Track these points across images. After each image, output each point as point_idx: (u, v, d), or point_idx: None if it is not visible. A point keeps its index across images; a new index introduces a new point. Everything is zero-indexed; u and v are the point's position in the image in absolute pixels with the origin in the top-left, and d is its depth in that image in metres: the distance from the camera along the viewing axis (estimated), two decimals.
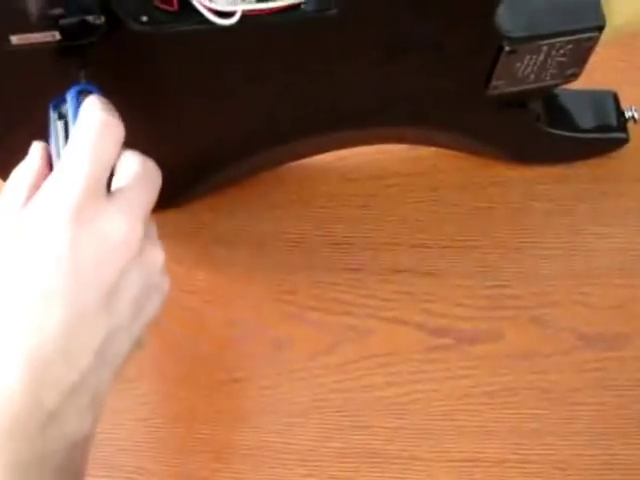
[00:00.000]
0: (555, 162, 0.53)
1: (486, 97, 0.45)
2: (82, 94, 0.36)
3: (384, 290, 0.51)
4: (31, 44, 0.36)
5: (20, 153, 0.42)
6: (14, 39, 0.36)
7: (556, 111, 0.50)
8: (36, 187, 0.35)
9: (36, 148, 0.37)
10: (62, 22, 0.36)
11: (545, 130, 0.50)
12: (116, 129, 0.35)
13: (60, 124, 0.36)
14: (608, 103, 0.52)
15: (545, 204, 0.53)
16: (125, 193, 0.35)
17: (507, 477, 0.47)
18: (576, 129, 0.51)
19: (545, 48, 0.43)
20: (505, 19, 0.41)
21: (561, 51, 0.43)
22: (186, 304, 0.51)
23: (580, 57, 0.44)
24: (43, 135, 0.41)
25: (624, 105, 0.52)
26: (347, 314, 0.50)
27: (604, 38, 0.43)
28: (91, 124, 0.34)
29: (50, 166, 0.36)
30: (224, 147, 0.47)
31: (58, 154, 0.36)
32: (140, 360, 0.49)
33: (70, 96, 0.36)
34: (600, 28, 0.43)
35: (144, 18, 0.37)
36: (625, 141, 0.52)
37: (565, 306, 0.50)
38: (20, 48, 0.36)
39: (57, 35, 0.36)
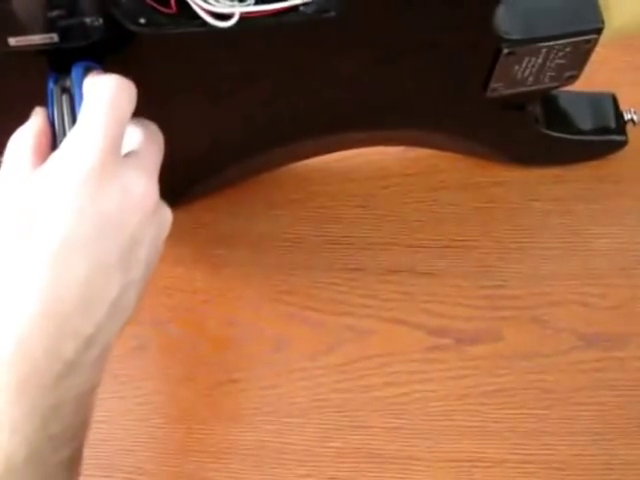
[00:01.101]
0: (554, 164, 0.53)
1: (485, 99, 0.45)
2: (87, 70, 0.37)
3: (384, 290, 0.51)
4: (29, 46, 0.36)
5: None
6: (12, 41, 0.36)
7: (555, 113, 0.50)
8: (40, 147, 0.35)
9: (38, 111, 0.37)
10: (61, 24, 0.36)
11: (543, 132, 0.50)
12: (130, 89, 0.35)
13: (65, 97, 0.37)
14: (607, 105, 0.52)
15: (545, 204, 0.52)
16: (139, 154, 0.36)
17: (507, 477, 0.47)
18: (575, 131, 0.51)
19: (544, 50, 0.43)
20: (504, 21, 0.41)
21: (560, 53, 0.43)
22: (186, 304, 0.51)
23: (579, 59, 0.44)
24: None
25: (623, 106, 0.52)
26: (347, 314, 0.50)
27: (603, 39, 0.43)
28: (106, 85, 0.35)
29: (52, 130, 0.37)
30: (223, 149, 0.47)
31: (62, 127, 0.36)
32: (140, 360, 0.50)
33: (76, 72, 0.37)
34: (599, 30, 0.43)
35: (142, 20, 0.37)
36: (624, 144, 0.52)
37: (565, 306, 0.50)
38: (18, 50, 0.37)
39: (55, 37, 0.36)
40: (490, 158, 0.53)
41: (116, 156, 0.34)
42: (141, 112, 0.36)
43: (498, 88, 0.45)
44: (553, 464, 0.47)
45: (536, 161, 0.53)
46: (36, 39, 0.36)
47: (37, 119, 0.36)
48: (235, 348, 0.50)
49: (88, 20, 0.36)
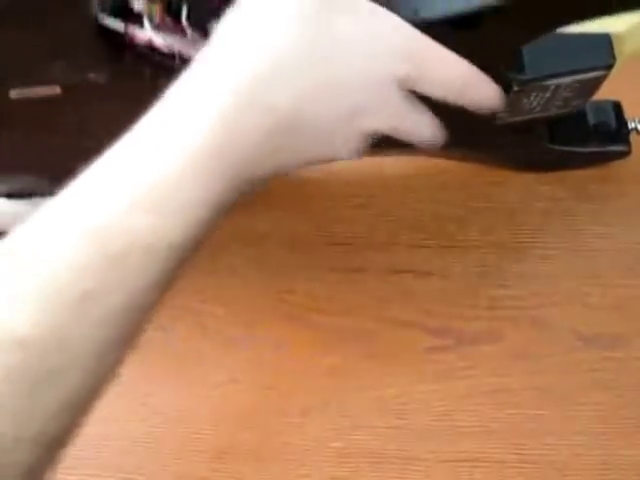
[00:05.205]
0: (555, 171, 0.53)
1: (491, 125, 0.45)
2: None
3: (384, 290, 0.51)
4: (32, 97, 0.37)
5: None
6: (13, 94, 0.36)
7: (558, 125, 0.49)
8: None
9: None
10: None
11: (547, 146, 0.50)
12: None
13: None
14: (611, 113, 0.51)
15: (545, 204, 0.52)
16: None
17: (507, 477, 0.47)
18: (578, 143, 0.50)
19: (552, 86, 0.42)
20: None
21: (569, 88, 0.43)
22: (186, 304, 0.51)
23: (587, 91, 0.44)
24: None
25: (626, 110, 0.51)
26: (347, 314, 0.50)
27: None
28: None
29: None
30: None
31: None
32: (140, 360, 0.50)
33: None
34: (610, 66, 0.42)
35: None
36: (627, 154, 0.51)
37: (565, 306, 0.50)
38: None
39: (58, 89, 0.36)
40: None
41: None
42: None
43: (504, 117, 0.44)
44: (553, 464, 0.47)
45: (539, 170, 0.52)
46: (38, 91, 0.36)
47: None
48: (235, 348, 0.50)
49: (92, 75, 0.36)
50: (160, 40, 0.35)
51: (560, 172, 0.53)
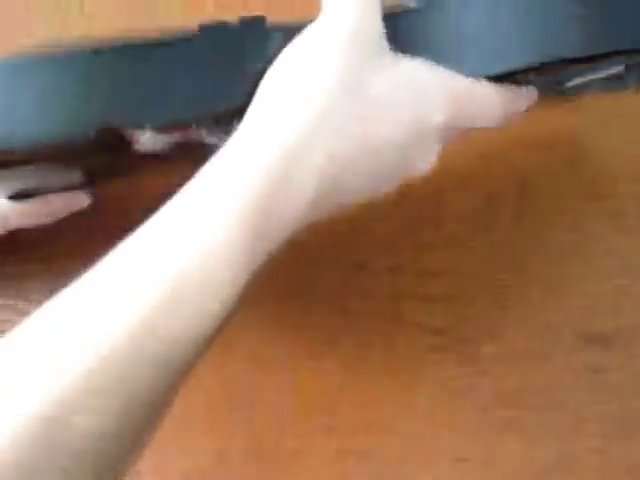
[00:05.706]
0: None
1: None
2: None
3: (384, 289, 0.51)
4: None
5: None
6: None
7: None
8: None
9: None
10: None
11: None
12: None
13: None
14: None
15: (545, 204, 0.52)
16: None
17: (507, 477, 0.47)
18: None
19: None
20: None
21: None
22: None
23: None
24: None
25: None
26: (347, 314, 0.50)
27: None
28: None
29: None
30: None
31: None
32: None
33: None
34: None
35: None
36: None
37: (565, 305, 0.50)
38: None
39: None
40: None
41: None
42: None
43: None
44: (553, 464, 0.47)
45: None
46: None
47: None
48: (235, 347, 0.50)
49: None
50: (161, 145, 0.36)
51: (560, 171, 0.53)
